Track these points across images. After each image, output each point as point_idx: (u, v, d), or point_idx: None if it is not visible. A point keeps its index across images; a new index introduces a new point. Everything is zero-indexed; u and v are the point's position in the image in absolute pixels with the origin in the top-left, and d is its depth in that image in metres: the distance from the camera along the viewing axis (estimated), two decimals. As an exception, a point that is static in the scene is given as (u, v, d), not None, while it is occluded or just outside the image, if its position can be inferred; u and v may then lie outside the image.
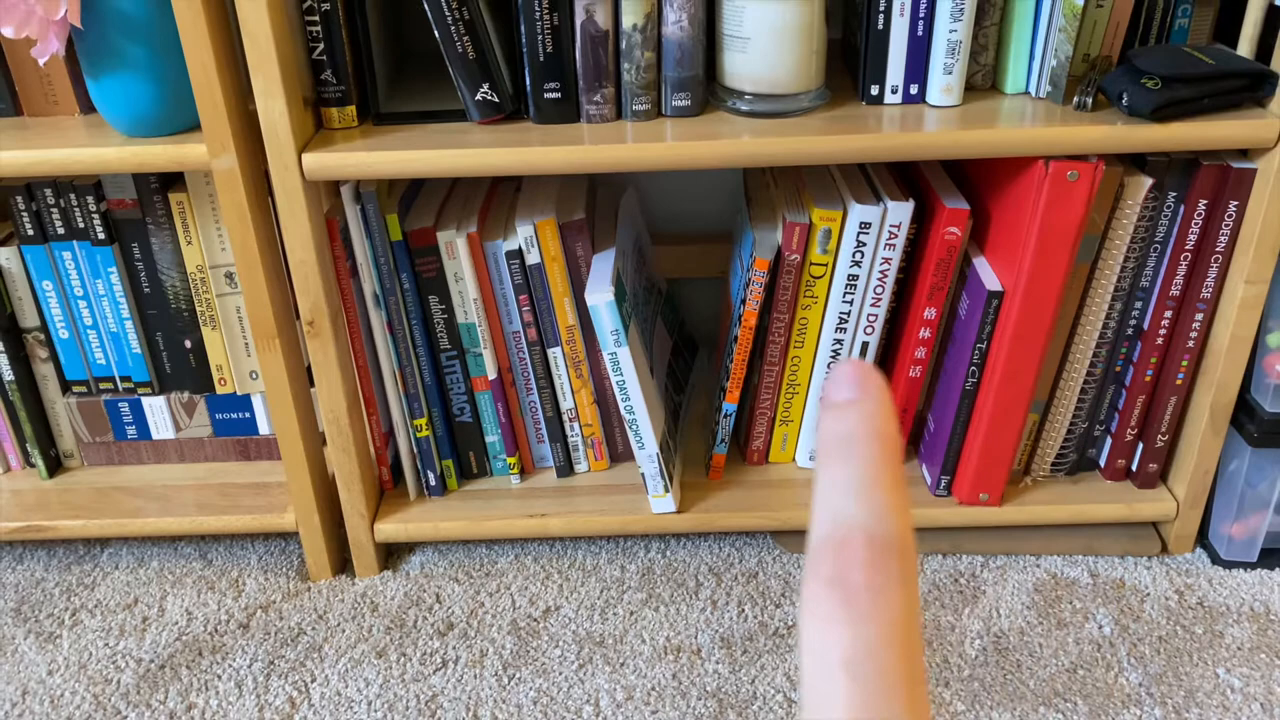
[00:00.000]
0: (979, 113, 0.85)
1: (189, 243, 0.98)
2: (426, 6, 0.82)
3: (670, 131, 0.85)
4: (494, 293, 0.97)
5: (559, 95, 0.86)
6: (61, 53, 0.82)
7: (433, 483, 1.03)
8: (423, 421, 1.00)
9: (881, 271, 0.93)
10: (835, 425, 0.23)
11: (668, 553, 1.05)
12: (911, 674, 0.20)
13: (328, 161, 0.84)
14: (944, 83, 0.86)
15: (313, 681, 0.91)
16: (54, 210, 0.98)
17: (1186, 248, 0.89)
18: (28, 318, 1.03)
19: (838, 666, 0.20)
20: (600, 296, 0.90)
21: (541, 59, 0.84)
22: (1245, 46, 0.86)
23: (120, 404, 1.06)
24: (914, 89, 0.87)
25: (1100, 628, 0.94)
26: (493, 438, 1.03)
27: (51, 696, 0.91)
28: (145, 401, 1.06)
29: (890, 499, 0.22)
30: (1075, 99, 0.85)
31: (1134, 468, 1.01)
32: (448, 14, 0.82)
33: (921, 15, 0.84)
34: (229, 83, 0.83)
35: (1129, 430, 0.99)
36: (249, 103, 0.85)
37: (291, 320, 0.95)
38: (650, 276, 1.12)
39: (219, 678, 0.92)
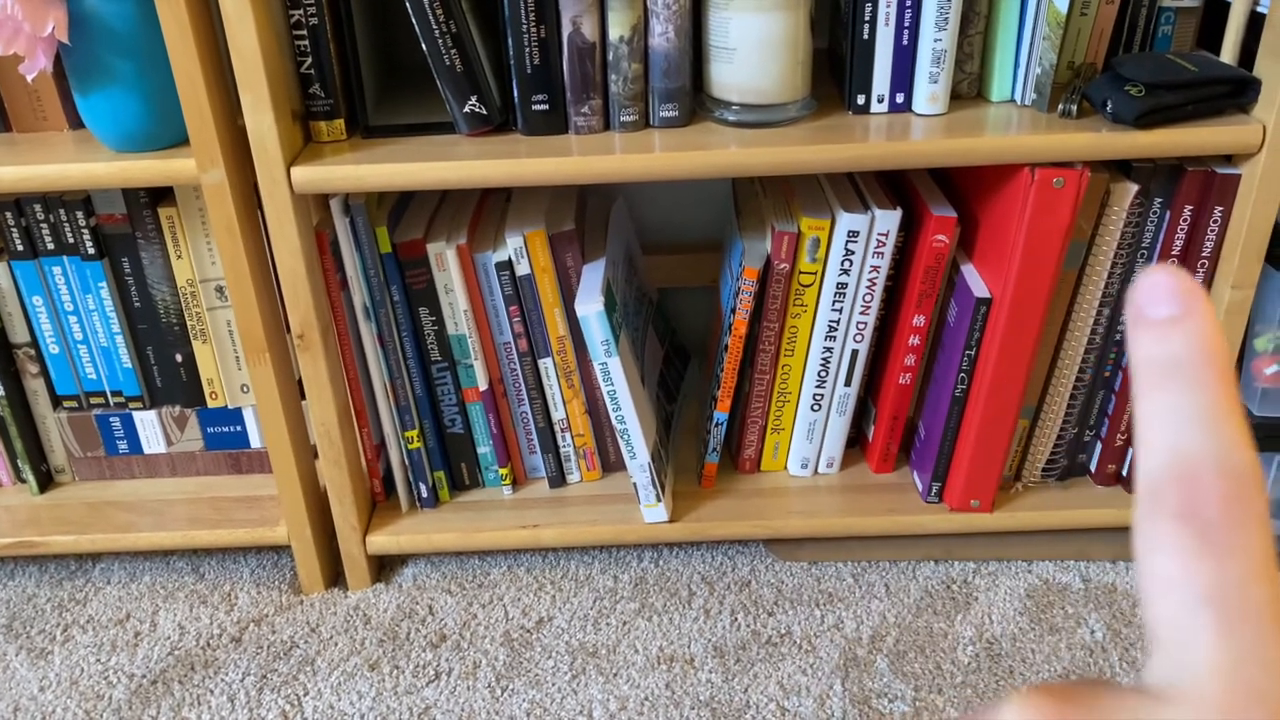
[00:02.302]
0: (965, 121, 0.86)
1: (179, 257, 0.99)
2: (413, 19, 0.82)
3: (658, 142, 0.85)
4: (484, 304, 0.97)
5: (547, 107, 0.86)
6: (50, 69, 0.82)
7: (425, 494, 1.03)
8: (414, 433, 1.00)
9: (870, 280, 0.94)
10: (1158, 347, 0.21)
11: (660, 562, 1.05)
12: None
13: (316, 175, 0.84)
14: (930, 91, 0.86)
15: (305, 695, 0.91)
16: (44, 226, 0.98)
17: (1173, 253, 0.90)
18: (18, 333, 1.03)
19: (1201, 603, 0.19)
20: (590, 307, 0.91)
21: (529, 71, 0.85)
22: (1228, 53, 0.87)
23: (111, 418, 1.06)
24: (900, 98, 0.87)
25: (1092, 633, 0.94)
26: (484, 449, 1.04)
27: (43, 713, 0.91)
28: (136, 416, 1.06)
29: (1240, 428, 0.20)
30: (1060, 107, 0.86)
31: (1125, 472, 1.02)
32: (435, 27, 0.83)
33: (906, 24, 0.84)
34: (217, 97, 0.83)
35: (1119, 435, 0.99)
36: (237, 117, 0.85)
37: (282, 333, 0.95)
38: (641, 286, 1.13)
39: (211, 692, 0.92)
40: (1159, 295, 0.21)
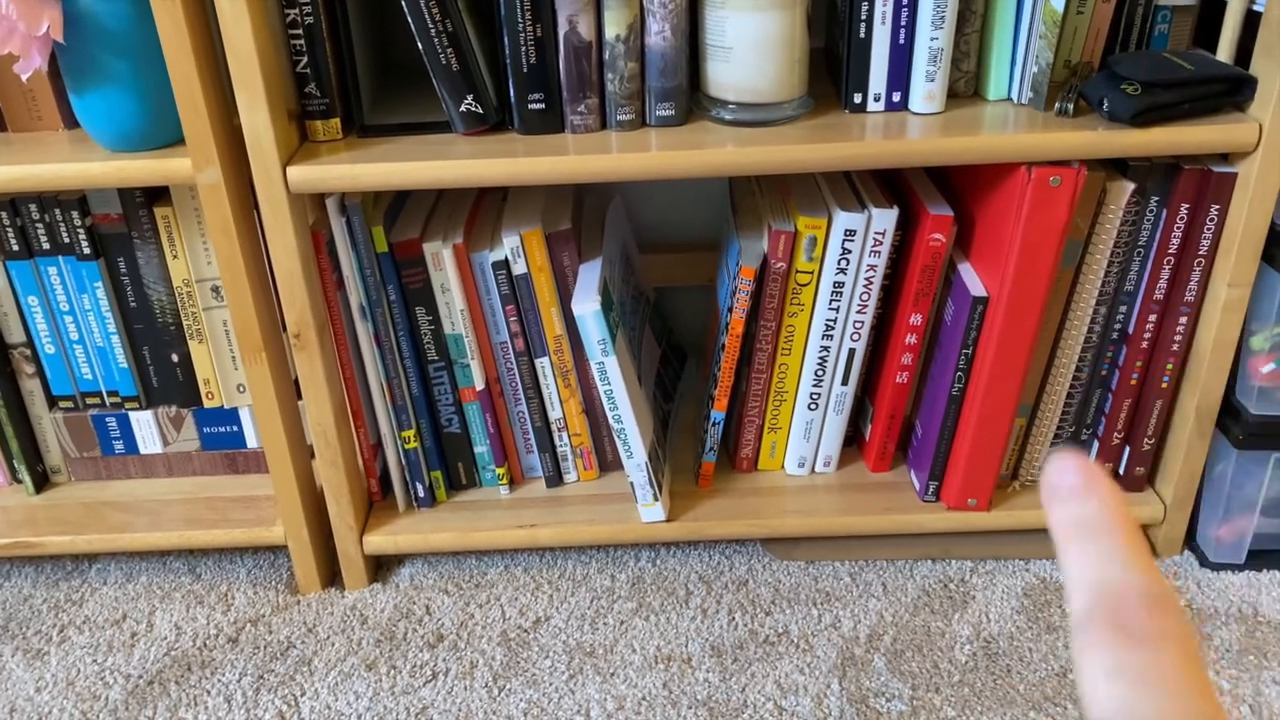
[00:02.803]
0: (961, 119, 0.86)
1: (175, 257, 0.98)
2: (409, 18, 0.82)
3: (655, 141, 0.85)
4: (481, 303, 0.97)
5: (543, 106, 0.86)
6: (45, 68, 0.82)
7: (421, 494, 1.03)
8: (411, 433, 1.00)
9: (867, 278, 0.94)
10: (1074, 510, 0.26)
11: (658, 561, 1.05)
12: (1207, 698, 0.23)
13: (312, 174, 0.84)
14: (926, 90, 0.86)
15: (302, 695, 0.91)
16: (39, 225, 0.97)
17: (1169, 252, 0.90)
18: (13, 333, 1.03)
19: (1137, 697, 0.23)
20: (587, 306, 0.90)
21: (525, 70, 0.85)
22: (1224, 51, 0.87)
23: (107, 419, 1.06)
24: (896, 96, 0.87)
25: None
26: (481, 448, 1.03)
27: (40, 714, 0.90)
28: (132, 416, 1.06)
29: (1150, 565, 0.25)
30: (1057, 105, 0.86)
31: (1121, 471, 1.02)
32: (431, 26, 0.83)
33: (903, 23, 0.84)
34: (213, 97, 0.83)
35: (1115, 434, 0.99)
36: (233, 116, 0.85)
37: (278, 333, 0.95)
38: (638, 286, 1.13)
39: (208, 693, 0.92)
40: (1066, 470, 0.27)
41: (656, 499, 0.99)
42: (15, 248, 0.98)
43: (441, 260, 0.94)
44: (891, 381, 0.99)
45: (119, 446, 1.08)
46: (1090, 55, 0.89)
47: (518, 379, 1.00)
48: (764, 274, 0.94)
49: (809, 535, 1.03)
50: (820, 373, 0.99)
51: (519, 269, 0.94)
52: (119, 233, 0.98)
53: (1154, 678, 0.23)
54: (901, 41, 0.85)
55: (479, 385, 0.99)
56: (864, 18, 0.84)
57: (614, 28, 0.84)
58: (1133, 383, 0.96)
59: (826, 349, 0.98)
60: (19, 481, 1.09)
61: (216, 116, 0.83)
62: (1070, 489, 0.27)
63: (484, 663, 0.94)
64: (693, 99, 0.90)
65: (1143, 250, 0.90)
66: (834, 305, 0.95)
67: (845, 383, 1.00)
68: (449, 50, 0.84)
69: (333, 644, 0.96)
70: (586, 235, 1.02)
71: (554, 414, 1.02)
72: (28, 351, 1.03)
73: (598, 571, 1.04)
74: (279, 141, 0.83)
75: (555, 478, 1.06)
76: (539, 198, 1.01)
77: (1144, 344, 0.94)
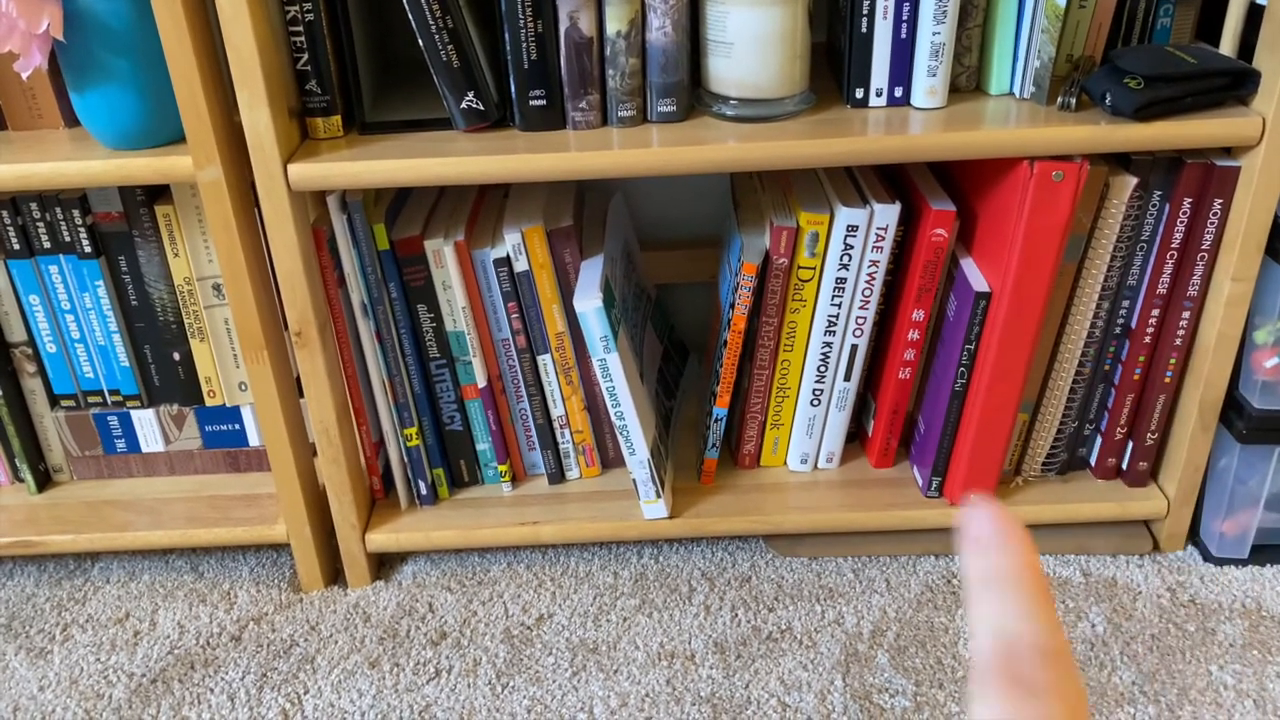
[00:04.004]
0: (963, 114, 0.86)
1: (176, 255, 0.98)
2: (410, 15, 0.82)
3: (656, 137, 0.85)
4: (482, 301, 0.97)
5: (544, 102, 0.86)
6: (45, 67, 0.82)
7: (424, 492, 1.03)
8: (413, 430, 1.00)
9: (869, 274, 0.94)
10: (985, 560, 0.28)
11: (660, 558, 1.05)
12: None
13: (313, 172, 0.84)
14: (928, 85, 0.86)
15: (305, 693, 0.91)
16: (40, 224, 0.97)
17: (1172, 246, 0.89)
18: (15, 332, 1.03)
19: None
20: (588, 303, 0.90)
21: (526, 66, 0.85)
22: (1227, 45, 0.87)
23: (109, 417, 1.06)
24: (898, 91, 0.87)
25: (1093, 626, 0.94)
26: (483, 446, 1.03)
27: (43, 713, 0.90)
28: (134, 415, 1.06)
29: (1050, 618, 0.26)
30: (1059, 100, 0.85)
31: (1124, 466, 1.02)
32: (431, 23, 0.83)
33: (905, 18, 0.84)
34: (213, 94, 0.82)
35: (1119, 429, 0.99)
36: (234, 114, 0.85)
37: (280, 331, 0.95)
38: (639, 282, 1.12)
39: (211, 691, 0.92)
40: (983, 523, 0.28)
41: (659, 495, 0.99)
42: (16, 246, 0.98)
43: (443, 257, 0.94)
44: (894, 377, 0.99)
45: (121, 445, 1.08)
46: (1093, 49, 0.89)
47: (519, 376, 1.00)
48: (766, 270, 0.94)
49: (812, 531, 1.03)
50: (823, 369, 0.99)
51: (520, 266, 0.94)
52: (120, 231, 0.98)
53: None
54: (903, 36, 0.85)
55: (481, 382, 0.99)
56: (865, 12, 0.84)
57: (615, 23, 0.83)
58: (1136, 378, 0.96)
59: (829, 345, 0.97)
60: (21, 480, 1.09)
61: (217, 114, 0.83)
62: (982, 539, 0.28)
63: (487, 660, 0.94)
64: (694, 95, 0.89)
65: (1145, 245, 0.90)
66: (836, 301, 0.95)
67: (848, 379, 1.00)
68: (450, 47, 0.84)
69: (335, 642, 0.96)
70: (588, 232, 1.02)
71: (556, 411, 1.02)
72: (29, 350, 1.03)
73: (600, 568, 1.04)
74: (280, 139, 0.83)
75: (557, 475, 1.05)
76: (540, 195, 1.01)
77: (1147, 339, 0.94)
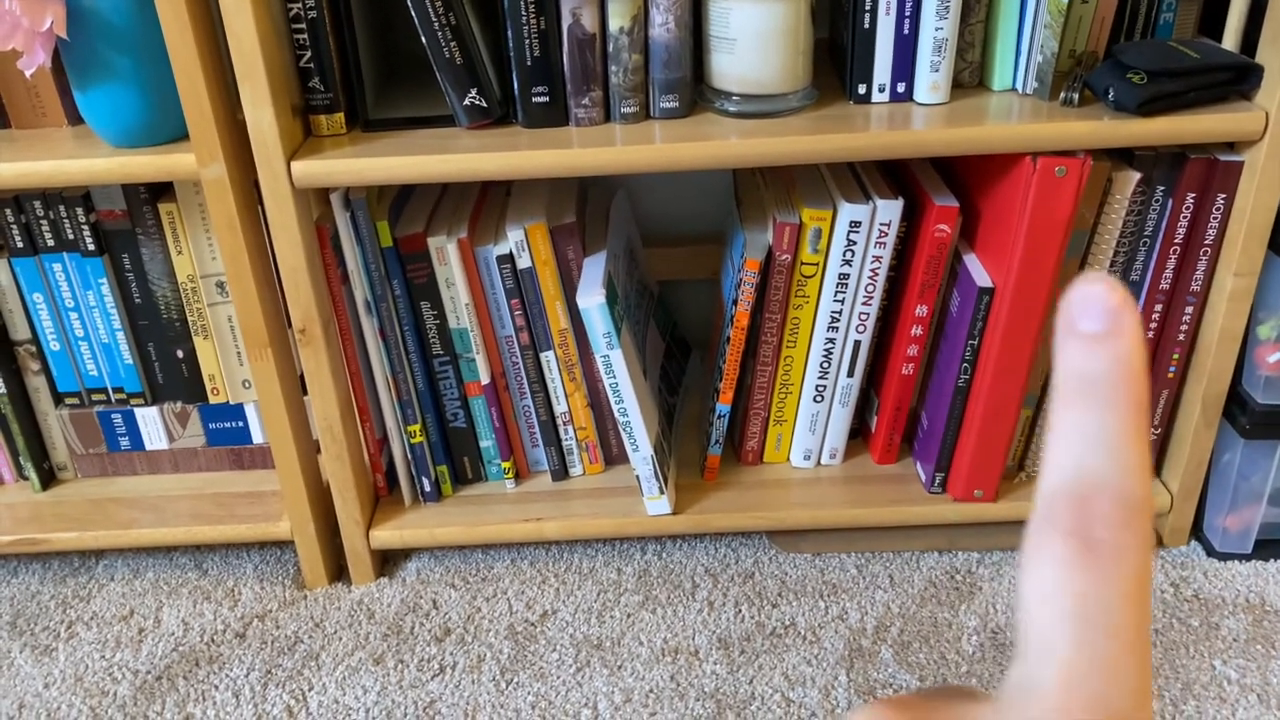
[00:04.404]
0: (966, 110, 0.86)
1: (179, 252, 0.98)
2: (413, 12, 0.82)
3: (659, 133, 0.85)
4: (486, 297, 0.97)
5: (547, 99, 0.86)
6: (48, 64, 0.82)
7: (428, 489, 1.03)
8: (416, 428, 1.00)
9: (872, 270, 0.94)
10: (1084, 362, 0.22)
11: (664, 554, 1.05)
12: (1143, 637, 0.20)
13: (317, 169, 0.84)
14: (931, 80, 0.86)
15: (310, 690, 0.91)
16: (43, 222, 0.97)
17: (1175, 241, 0.89)
18: (19, 330, 1.03)
19: (1070, 617, 0.20)
20: (591, 299, 0.90)
21: (529, 63, 0.85)
22: (1230, 39, 0.87)
23: (113, 415, 1.06)
24: (901, 87, 0.87)
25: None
26: (487, 443, 1.03)
27: (48, 710, 0.91)
28: (138, 412, 1.06)
29: (1141, 455, 0.21)
30: (1062, 95, 0.85)
31: (1127, 461, 1.02)
32: (434, 19, 0.83)
33: (907, 14, 0.84)
34: (216, 92, 0.83)
35: (1122, 424, 0.99)
36: (237, 111, 0.85)
37: (283, 328, 0.95)
38: (642, 279, 1.12)
39: (216, 688, 0.92)
40: (1091, 309, 0.22)
41: (662, 492, 0.99)
42: (20, 244, 0.98)
43: (446, 255, 0.94)
44: (897, 373, 0.99)
45: (125, 443, 1.08)
46: (1095, 44, 0.89)
47: (523, 373, 1.00)
48: (769, 266, 0.94)
49: (815, 528, 1.03)
50: (825, 365, 0.99)
51: (524, 263, 0.94)
52: (123, 229, 0.98)
53: (1092, 609, 0.20)
54: (906, 32, 0.85)
55: (484, 379, 0.99)
56: (868, 8, 0.84)
57: (618, 20, 0.83)
58: (1139, 373, 0.96)
59: (832, 341, 0.97)
60: (25, 478, 1.09)
61: (220, 112, 0.83)
62: (1091, 336, 0.22)
63: (491, 656, 0.94)
64: (696, 91, 0.89)
65: (1148, 240, 0.90)
66: (839, 297, 0.95)
67: (851, 375, 1.00)
68: (452, 44, 0.84)
69: (340, 639, 0.97)
70: (591, 229, 1.02)
71: (559, 408, 1.02)
72: (33, 348, 1.04)
73: (604, 565, 1.04)
74: (283, 136, 0.83)
75: (561, 471, 1.06)
76: (543, 192, 1.01)
77: (1150, 334, 0.94)
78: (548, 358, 0.99)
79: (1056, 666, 0.20)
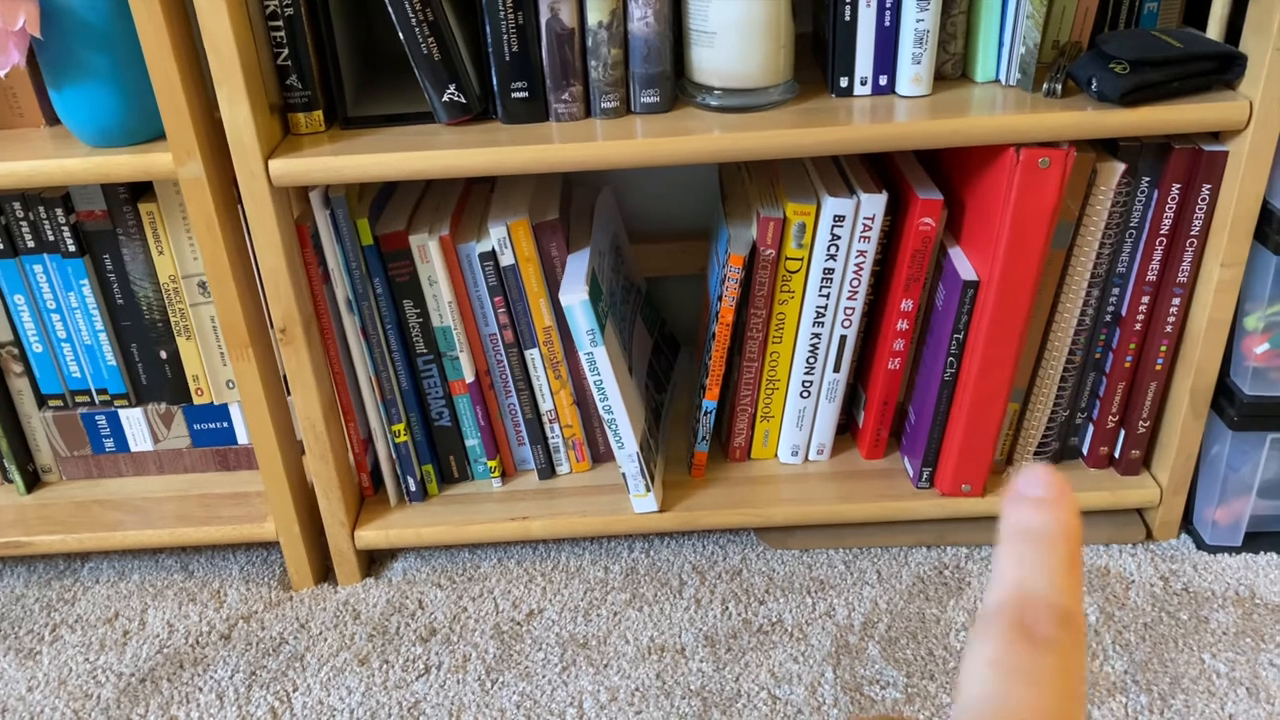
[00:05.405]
0: (949, 102, 0.85)
1: (160, 253, 0.98)
2: (390, 9, 0.82)
3: (640, 128, 0.85)
4: (469, 295, 0.96)
5: (526, 94, 0.86)
6: (23, 64, 0.82)
7: (413, 488, 1.03)
8: (401, 427, 1.00)
9: (857, 264, 0.93)
10: (1027, 516, 0.26)
11: (651, 552, 1.04)
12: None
13: (295, 167, 0.83)
14: (913, 73, 0.85)
15: (295, 691, 0.91)
16: (23, 223, 0.97)
17: (1161, 232, 0.89)
18: (0, 332, 1.02)
19: (1008, 681, 0.23)
20: (574, 296, 0.90)
21: (507, 58, 0.84)
22: (1214, 29, 0.86)
23: (97, 417, 1.06)
24: (883, 80, 0.87)
25: (1085, 615, 0.94)
26: (472, 441, 1.03)
27: (32, 713, 0.90)
28: (122, 414, 1.06)
29: (1075, 582, 0.25)
30: (1045, 86, 0.85)
31: (1117, 455, 1.01)
32: (411, 15, 0.82)
33: (889, 6, 0.83)
34: (193, 91, 0.82)
35: (1110, 417, 0.99)
36: (214, 110, 0.84)
37: (265, 328, 0.94)
38: (629, 276, 1.12)
39: (200, 690, 0.91)
40: (1035, 482, 0.27)
41: (649, 489, 0.98)
42: (0, 246, 0.98)
43: (428, 252, 0.93)
44: (884, 368, 0.98)
45: (109, 444, 1.07)
46: (1079, 35, 0.88)
47: (508, 371, 0.99)
48: (753, 261, 0.93)
49: (803, 524, 1.02)
50: (812, 360, 0.98)
51: (506, 260, 0.94)
52: (104, 229, 0.97)
53: (1029, 676, 0.23)
54: (887, 24, 0.84)
55: (469, 378, 0.99)
56: (849, 1, 0.83)
57: (596, 14, 0.83)
58: (1126, 365, 0.95)
59: (818, 336, 0.97)
60: (9, 481, 1.08)
61: (197, 110, 0.82)
62: (1034, 500, 0.27)
63: (477, 656, 0.93)
64: (678, 86, 0.89)
65: (1134, 231, 0.90)
66: (824, 292, 0.94)
67: (837, 370, 0.99)
68: (430, 40, 0.83)
69: (325, 639, 0.96)
70: (575, 225, 1.01)
71: (545, 405, 1.01)
72: (15, 350, 1.03)
73: (591, 563, 1.03)
74: (261, 135, 0.82)
75: (547, 469, 1.05)
76: (527, 188, 1.00)
77: (1137, 326, 0.93)
78: (532, 355, 0.98)
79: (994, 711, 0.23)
